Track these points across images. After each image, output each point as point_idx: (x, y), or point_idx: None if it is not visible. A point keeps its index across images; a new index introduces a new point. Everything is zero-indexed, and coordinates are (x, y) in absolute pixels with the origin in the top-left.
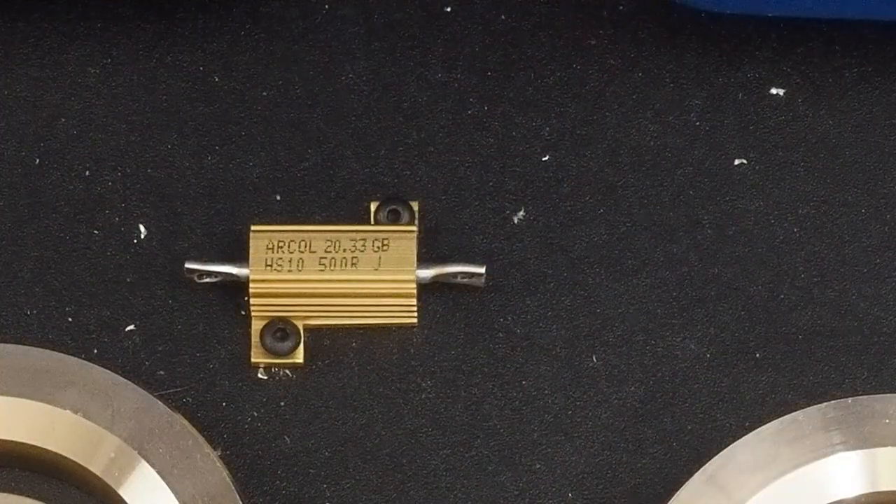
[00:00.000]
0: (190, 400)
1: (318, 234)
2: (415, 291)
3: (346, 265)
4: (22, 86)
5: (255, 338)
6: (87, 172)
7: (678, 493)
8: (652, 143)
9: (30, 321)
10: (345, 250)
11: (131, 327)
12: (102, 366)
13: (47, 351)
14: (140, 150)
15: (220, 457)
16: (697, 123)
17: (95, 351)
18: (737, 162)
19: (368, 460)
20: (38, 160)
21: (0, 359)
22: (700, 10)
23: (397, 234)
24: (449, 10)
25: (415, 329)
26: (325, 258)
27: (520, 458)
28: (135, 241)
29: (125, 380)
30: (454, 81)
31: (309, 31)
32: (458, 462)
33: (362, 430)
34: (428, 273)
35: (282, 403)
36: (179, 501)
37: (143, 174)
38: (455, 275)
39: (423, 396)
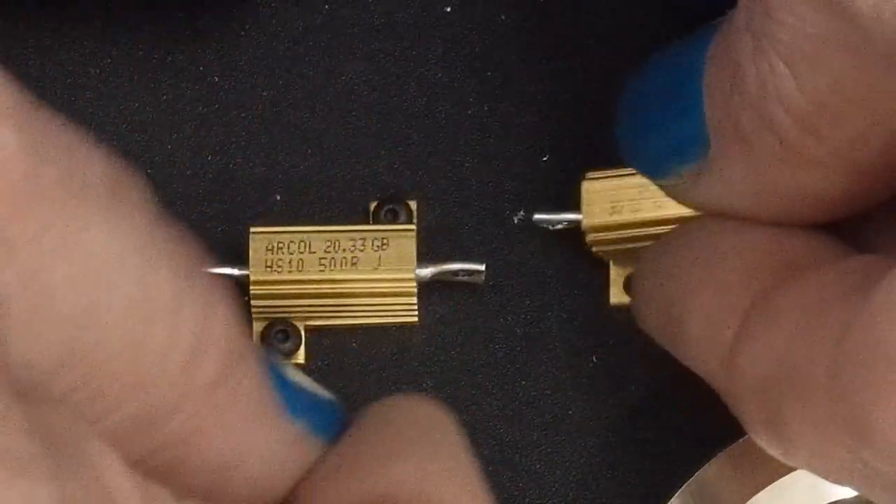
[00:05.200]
0: None
1: (318, 235)
2: (415, 290)
3: (345, 265)
4: (22, 86)
5: (255, 339)
6: None
7: (678, 493)
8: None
9: None
10: (344, 250)
11: None
12: None
13: None
14: (140, 150)
15: None
16: None
17: None
18: None
19: None
20: None
21: None
22: (699, 10)
23: (396, 234)
24: (449, 10)
25: (415, 329)
26: (325, 258)
27: (520, 458)
28: None
29: None
30: (454, 81)
31: (309, 31)
32: None
33: None
34: (427, 271)
35: None
36: None
37: (143, 174)
38: (455, 272)
39: (424, 396)
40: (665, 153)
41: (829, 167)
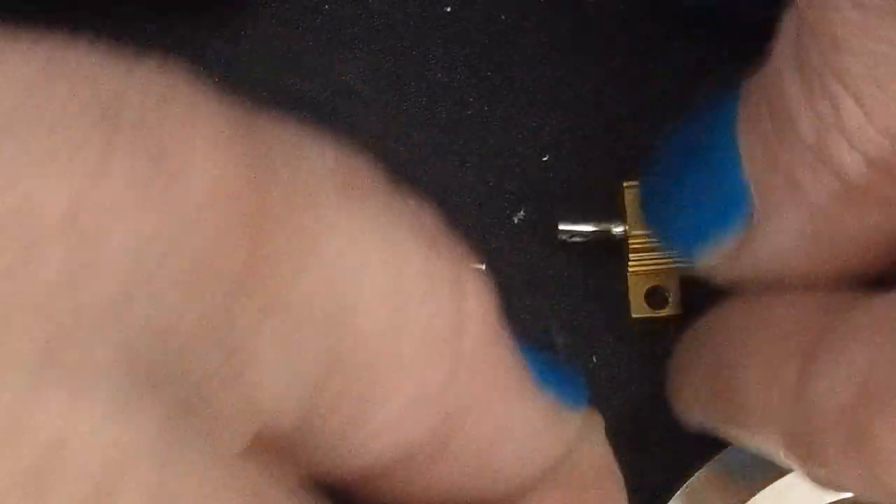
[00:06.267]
0: None
1: None
2: None
3: None
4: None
5: None
6: None
7: (678, 492)
8: (652, 142)
9: None
10: None
11: None
12: None
13: None
14: None
15: None
16: None
17: None
18: None
19: None
20: None
21: None
22: (699, 10)
23: None
24: (449, 10)
25: None
26: None
27: None
28: None
29: None
30: (454, 81)
31: (309, 31)
32: None
33: None
34: None
35: None
36: None
37: None
38: None
39: None
40: (705, 225)
41: None
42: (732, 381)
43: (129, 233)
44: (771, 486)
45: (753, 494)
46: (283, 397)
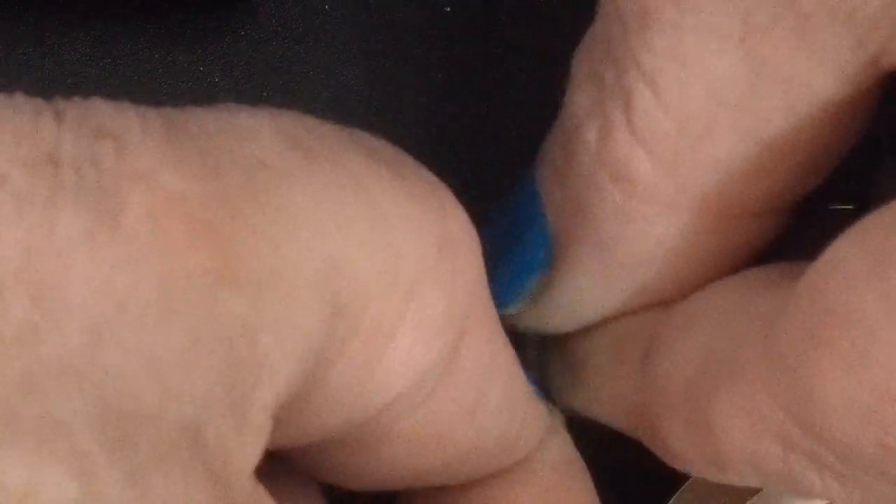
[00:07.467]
0: None
1: None
2: None
3: None
4: (21, 86)
5: None
6: None
7: (680, 492)
8: None
9: None
10: None
11: None
12: None
13: None
14: None
15: None
16: None
17: None
18: None
19: None
20: None
21: None
22: None
23: None
24: (449, 10)
25: None
26: None
27: None
28: None
29: None
30: (454, 81)
31: (309, 31)
32: None
33: None
34: None
35: None
36: None
37: None
38: None
39: None
40: (514, 273)
41: (682, 207)
42: (582, 371)
43: (84, 284)
44: (760, 493)
45: (753, 494)
46: (288, 359)
